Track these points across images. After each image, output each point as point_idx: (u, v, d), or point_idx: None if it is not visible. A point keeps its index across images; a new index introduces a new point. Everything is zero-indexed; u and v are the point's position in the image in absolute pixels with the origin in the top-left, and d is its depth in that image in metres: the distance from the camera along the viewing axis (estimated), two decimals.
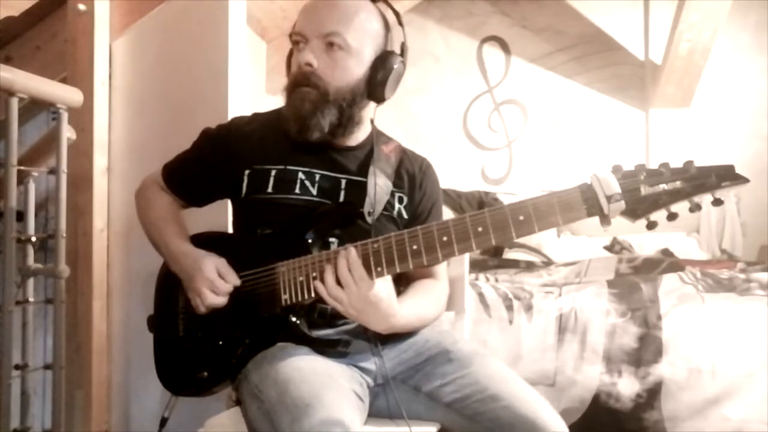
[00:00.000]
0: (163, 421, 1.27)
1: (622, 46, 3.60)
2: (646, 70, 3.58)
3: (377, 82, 1.16)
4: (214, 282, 1.11)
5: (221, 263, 1.13)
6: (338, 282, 1.03)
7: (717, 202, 0.93)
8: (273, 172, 1.18)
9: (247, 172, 1.19)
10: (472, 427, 1.05)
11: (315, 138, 1.15)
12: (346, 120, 1.16)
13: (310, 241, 1.10)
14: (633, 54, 3.59)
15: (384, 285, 1.05)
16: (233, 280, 1.12)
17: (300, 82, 1.13)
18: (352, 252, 1.02)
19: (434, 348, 1.16)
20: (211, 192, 1.28)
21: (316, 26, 1.13)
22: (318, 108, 1.13)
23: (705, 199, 0.93)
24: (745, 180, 0.91)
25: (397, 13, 1.23)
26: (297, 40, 1.15)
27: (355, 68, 1.15)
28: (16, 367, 1.60)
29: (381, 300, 1.04)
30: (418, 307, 1.16)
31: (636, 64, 3.59)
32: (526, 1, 3.68)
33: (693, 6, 2.97)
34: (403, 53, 1.20)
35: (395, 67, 1.17)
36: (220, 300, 1.11)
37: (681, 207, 0.94)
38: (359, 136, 1.24)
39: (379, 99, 1.18)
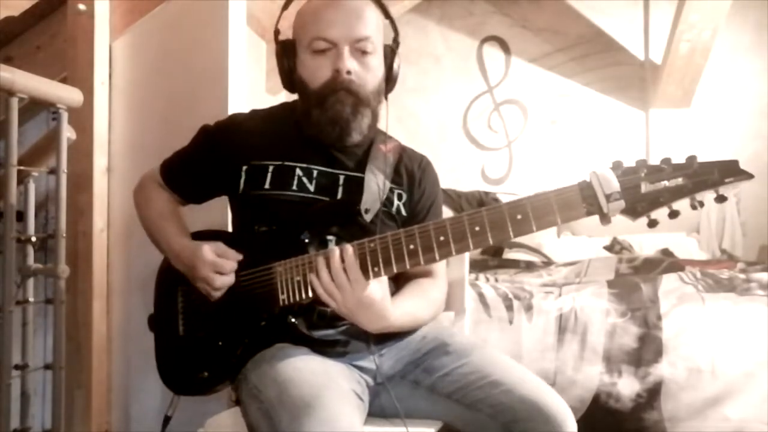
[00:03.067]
0: (167, 420, 1.27)
1: (622, 46, 3.60)
2: (646, 70, 3.58)
3: (390, 79, 1.20)
4: (216, 262, 1.10)
5: (216, 244, 1.13)
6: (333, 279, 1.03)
7: (720, 199, 0.91)
8: (270, 168, 1.18)
9: (244, 167, 1.19)
10: (474, 416, 1.05)
11: (355, 141, 1.18)
12: (375, 119, 1.19)
13: (306, 240, 1.10)
14: (633, 54, 3.59)
15: (378, 287, 1.04)
16: (233, 256, 1.12)
17: (337, 88, 1.13)
18: (348, 252, 1.02)
19: (432, 342, 1.17)
20: (210, 188, 1.28)
21: (346, 32, 1.13)
22: (358, 111, 1.15)
23: (707, 196, 0.91)
24: (750, 175, 0.89)
25: (386, 11, 1.23)
26: (324, 47, 1.13)
27: (379, 68, 1.18)
28: (16, 367, 1.60)
29: (374, 302, 1.03)
30: (412, 308, 1.16)
31: (636, 64, 3.59)
32: (526, 1, 3.68)
33: (693, 6, 2.96)
34: (397, 46, 1.22)
35: (397, 61, 1.21)
36: (228, 279, 1.11)
37: (682, 204, 0.92)
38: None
39: (388, 94, 1.21)
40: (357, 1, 1.15)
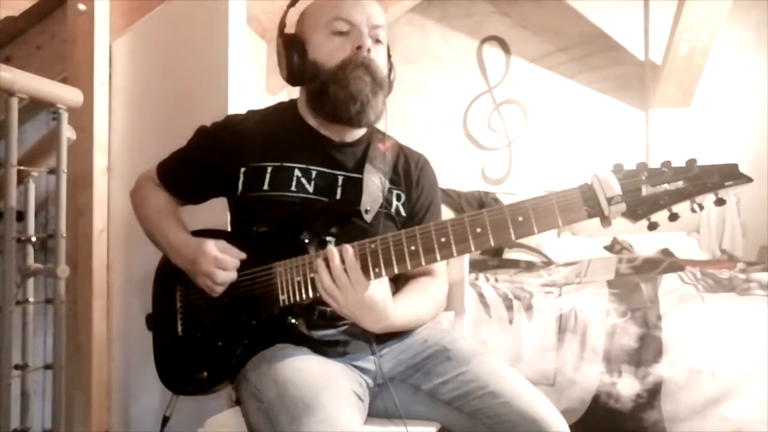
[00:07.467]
0: (165, 420, 1.28)
1: (622, 46, 3.59)
2: (646, 70, 3.58)
3: (390, 78, 1.22)
4: (219, 258, 1.10)
5: (220, 241, 1.13)
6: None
7: (720, 202, 0.91)
8: (269, 169, 1.18)
9: (243, 169, 1.19)
10: (473, 425, 1.05)
11: (371, 122, 1.18)
12: (382, 110, 1.19)
13: (306, 241, 1.10)
14: (633, 54, 3.59)
15: (380, 287, 1.04)
16: (237, 254, 1.12)
17: (358, 64, 1.14)
18: (350, 253, 1.01)
19: (433, 347, 1.16)
20: (207, 190, 1.28)
21: (366, 17, 1.15)
22: (375, 92, 1.16)
23: (707, 198, 0.91)
24: (749, 179, 0.89)
25: None
26: (344, 29, 1.15)
27: (385, 62, 1.20)
28: (16, 367, 1.60)
29: (376, 303, 1.03)
30: (413, 307, 1.16)
31: (636, 64, 3.59)
32: (526, 1, 3.68)
33: (693, 6, 2.96)
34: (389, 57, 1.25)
35: (393, 71, 1.23)
36: (231, 275, 1.11)
37: (682, 207, 0.92)
38: (356, 132, 1.24)
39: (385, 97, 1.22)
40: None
